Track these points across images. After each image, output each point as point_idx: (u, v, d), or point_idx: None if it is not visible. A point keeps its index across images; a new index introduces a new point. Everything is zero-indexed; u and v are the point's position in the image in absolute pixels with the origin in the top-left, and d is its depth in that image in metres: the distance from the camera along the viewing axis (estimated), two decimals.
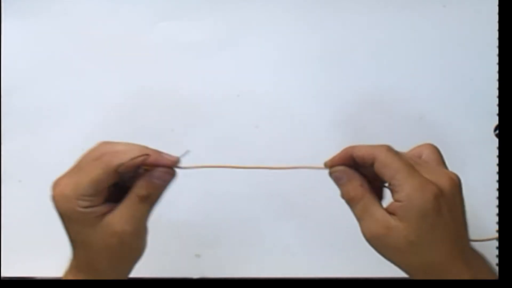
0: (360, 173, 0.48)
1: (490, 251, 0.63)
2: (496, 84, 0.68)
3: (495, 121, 0.68)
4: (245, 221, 0.68)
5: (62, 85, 0.70)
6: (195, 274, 0.68)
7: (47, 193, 0.69)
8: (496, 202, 0.66)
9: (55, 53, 0.71)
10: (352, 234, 0.68)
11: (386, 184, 0.48)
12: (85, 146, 0.69)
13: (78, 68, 0.70)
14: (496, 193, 0.66)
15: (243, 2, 0.70)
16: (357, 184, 0.47)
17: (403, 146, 0.70)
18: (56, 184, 0.48)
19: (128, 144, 0.48)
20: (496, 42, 0.68)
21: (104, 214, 0.47)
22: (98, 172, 0.46)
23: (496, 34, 0.68)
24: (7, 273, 0.68)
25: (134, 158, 0.46)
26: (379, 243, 0.45)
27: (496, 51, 0.68)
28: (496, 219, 0.65)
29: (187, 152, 0.48)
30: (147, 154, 0.46)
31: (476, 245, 0.65)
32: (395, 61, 0.69)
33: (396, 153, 0.46)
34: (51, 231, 0.69)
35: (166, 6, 0.71)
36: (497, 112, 0.67)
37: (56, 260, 0.69)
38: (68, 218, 0.47)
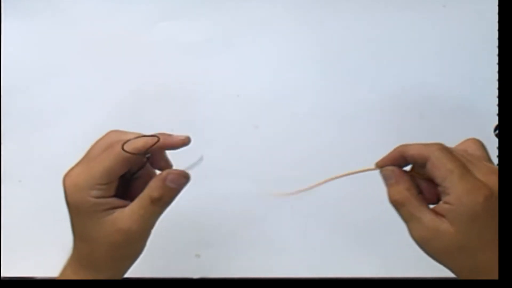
0: (414, 171, 0.47)
1: None
2: (496, 84, 0.68)
3: (495, 121, 0.68)
4: (245, 221, 0.68)
5: (62, 85, 0.70)
6: (195, 274, 0.68)
7: (47, 193, 0.69)
8: None
9: (55, 53, 0.71)
10: (352, 234, 0.68)
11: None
12: (85, 146, 0.69)
13: (78, 68, 0.70)
14: None
15: (243, 2, 0.70)
16: (403, 188, 0.46)
17: None
18: (68, 175, 0.48)
19: (138, 133, 0.48)
20: (496, 42, 0.68)
21: (114, 208, 0.47)
22: (110, 161, 0.46)
23: (496, 34, 0.68)
24: (7, 273, 0.68)
25: (143, 136, 0.46)
26: (428, 246, 0.44)
27: (496, 51, 0.68)
28: None
29: (200, 159, 0.48)
30: (157, 137, 0.46)
31: None
32: (395, 61, 0.69)
33: (449, 153, 0.44)
34: (51, 231, 0.69)
35: (166, 6, 0.70)
36: (497, 112, 0.67)
37: (56, 260, 0.69)
38: (77, 209, 0.47)
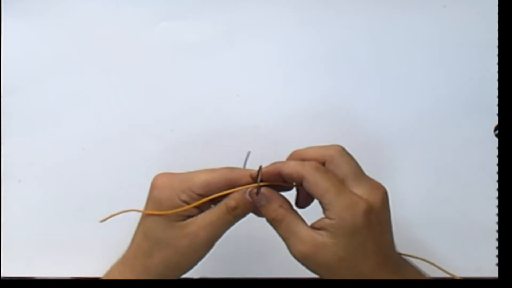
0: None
1: (490, 251, 0.63)
2: (496, 84, 0.68)
3: (495, 121, 0.68)
4: (245, 221, 0.68)
5: (62, 85, 0.70)
6: (195, 274, 0.68)
7: (47, 193, 0.69)
8: (496, 202, 0.66)
9: (55, 53, 0.71)
10: None
11: None
12: (85, 146, 0.70)
13: (78, 68, 0.70)
14: (496, 193, 0.66)
15: (243, 2, 0.70)
16: (276, 206, 0.47)
17: (403, 146, 0.70)
18: (164, 174, 0.48)
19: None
20: (496, 42, 0.68)
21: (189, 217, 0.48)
22: (214, 175, 0.47)
23: (496, 34, 0.68)
24: (7, 273, 0.68)
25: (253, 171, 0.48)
26: (309, 262, 0.45)
27: (496, 51, 0.68)
28: (496, 219, 0.65)
29: (249, 154, 0.49)
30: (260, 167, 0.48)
31: (475, 243, 0.65)
32: (395, 61, 0.69)
33: (324, 171, 0.45)
34: (51, 231, 0.69)
35: (166, 6, 0.70)
36: (497, 112, 0.67)
37: (55, 260, 0.69)
38: (159, 206, 0.47)
